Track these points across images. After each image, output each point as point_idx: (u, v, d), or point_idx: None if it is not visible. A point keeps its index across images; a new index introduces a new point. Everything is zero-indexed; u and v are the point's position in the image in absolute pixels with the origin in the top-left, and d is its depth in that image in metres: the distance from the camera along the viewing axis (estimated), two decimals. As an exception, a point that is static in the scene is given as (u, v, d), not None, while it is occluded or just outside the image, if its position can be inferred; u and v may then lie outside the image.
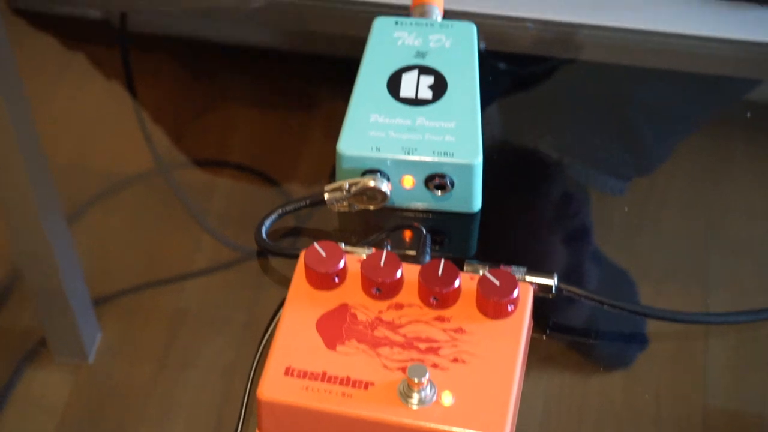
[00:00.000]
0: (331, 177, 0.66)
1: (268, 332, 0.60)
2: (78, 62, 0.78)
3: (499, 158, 0.67)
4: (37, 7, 0.82)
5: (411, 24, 0.69)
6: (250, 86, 0.76)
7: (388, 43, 0.68)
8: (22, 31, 0.80)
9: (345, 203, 0.63)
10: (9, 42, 0.80)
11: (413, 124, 0.64)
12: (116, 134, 0.74)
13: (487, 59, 0.70)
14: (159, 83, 0.77)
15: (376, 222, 0.64)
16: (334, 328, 0.56)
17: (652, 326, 0.62)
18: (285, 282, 0.61)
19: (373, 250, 0.59)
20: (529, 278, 0.59)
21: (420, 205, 0.65)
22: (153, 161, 0.72)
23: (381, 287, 0.57)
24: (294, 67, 0.78)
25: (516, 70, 0.76)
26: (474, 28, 0.69)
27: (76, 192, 0.70)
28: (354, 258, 0.59)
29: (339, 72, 0.76)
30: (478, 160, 0.63)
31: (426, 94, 0.65)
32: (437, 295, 0.57)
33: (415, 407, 0.54)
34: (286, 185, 0.70)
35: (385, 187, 0.63)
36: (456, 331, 0.56)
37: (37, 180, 0.72)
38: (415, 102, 0.65)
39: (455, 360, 0.55)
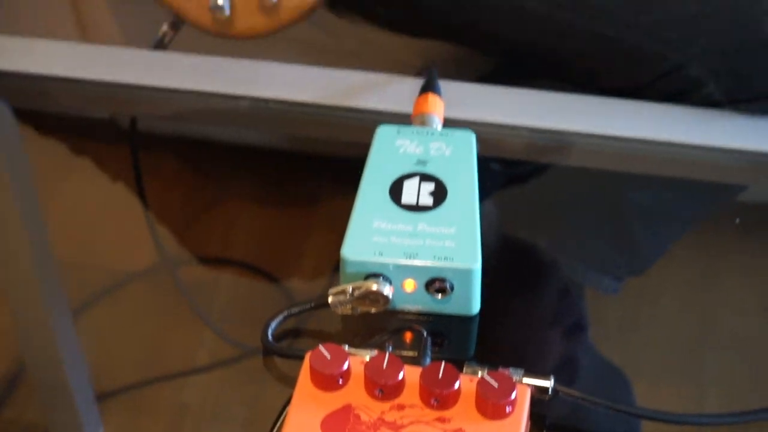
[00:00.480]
0: (334, 273, 0.67)
1: (274, 432, 0.61)
2: (84, 160, 0.79)
3: (497, 260, 0.69)
4: (43, 107, 0.84)
5: (412, 132, 0.70)
6: (253, 185, 0.77)
7: (390, 151, 0.69)
8: (28, 131, 0.82)
9: (348, 306, 0.64)
10: (18, 141, 0.81)
11: (414, 230, 0.65)
12: (121, 231, 0.75)
13: (484, 164, 0.71)
14: (163, 181, 0.78)
15: (378, 324, 0.65)
16: (339, 428, 0.57)
17: (647, 426, 0.62)
18: (286, 379, 0.62)
19: (376, 352, 0.60)
20: (526, 380, 0.60)
21: (420, 308, 0.65)
22: (157, 258, 0.73)
23: (384, 389, 0.58)
24: (296, 167, 0.79)
25: (512, 173, 0.77)
26: (473, 137, 0.70)
27: (81, 287, 0.70)
28: (357, 360, 0.60)
29: (340, 171, 0.77)
30: (477, 265, 0.63)
31: (427, 200, 0.66)
32: (438, 396, 0.58)
33: (416, 508, 0.55)
34: (288, 283, 0.71)
35: (388, 290, 0.64)
36: (456, 431, 0.57)
37: (43, 276, 0.73)
38: (417, 208, 0.66)
39: (456, 461, 0.56)
